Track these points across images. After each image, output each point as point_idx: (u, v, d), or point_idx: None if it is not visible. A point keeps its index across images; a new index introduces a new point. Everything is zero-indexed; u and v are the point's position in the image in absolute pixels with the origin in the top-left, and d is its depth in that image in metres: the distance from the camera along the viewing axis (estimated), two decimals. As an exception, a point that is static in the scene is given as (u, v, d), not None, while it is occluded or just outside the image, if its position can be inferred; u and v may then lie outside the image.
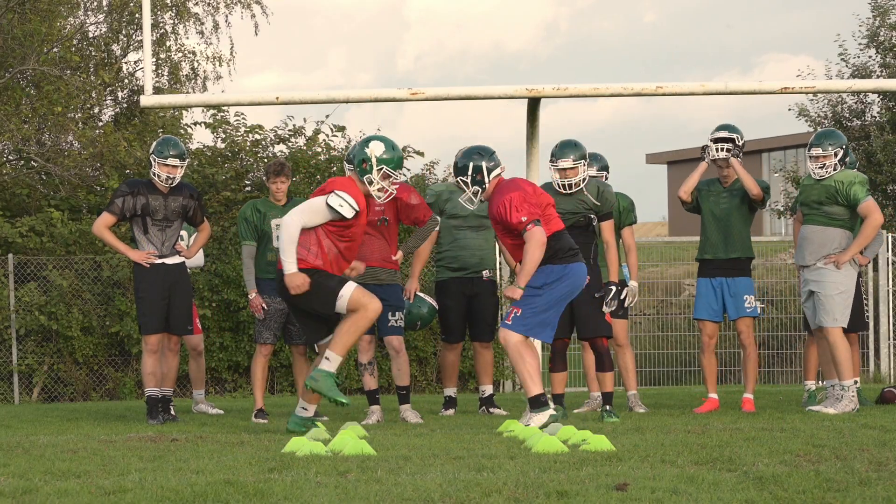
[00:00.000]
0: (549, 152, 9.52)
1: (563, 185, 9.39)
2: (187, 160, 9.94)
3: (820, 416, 9.17)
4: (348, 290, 8.06)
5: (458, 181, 8.46)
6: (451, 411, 10.39)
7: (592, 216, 9.46)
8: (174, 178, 9.61)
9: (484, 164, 8.35)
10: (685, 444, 6.88)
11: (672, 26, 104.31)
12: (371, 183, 8.24)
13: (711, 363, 10.17)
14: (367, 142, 8.32)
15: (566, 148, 9.45)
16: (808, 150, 9.71)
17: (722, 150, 9.98)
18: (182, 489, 5.23)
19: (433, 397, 14.17)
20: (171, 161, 9.59)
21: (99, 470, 6.03)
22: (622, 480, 5.32)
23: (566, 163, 9.40)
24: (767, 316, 16.35)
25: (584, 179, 9.44)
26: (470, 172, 8.36)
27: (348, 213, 8.07)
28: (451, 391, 10.53)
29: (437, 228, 10.07)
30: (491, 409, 10.35)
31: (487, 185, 8.37)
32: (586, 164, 9.48)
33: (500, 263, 13.61)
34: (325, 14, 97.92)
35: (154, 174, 9.62)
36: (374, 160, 8.22)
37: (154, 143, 9.77)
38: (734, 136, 9.97)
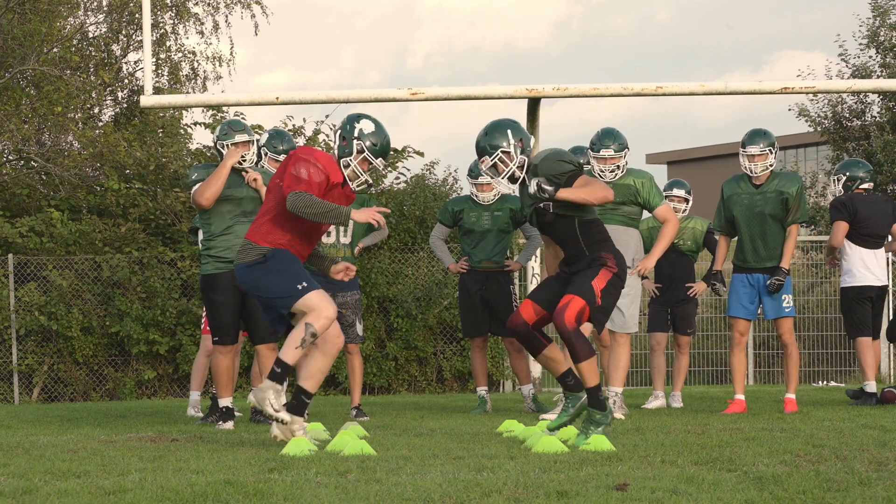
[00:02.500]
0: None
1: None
2: None
3: (819, 416, 9.17)
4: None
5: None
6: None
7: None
8: None
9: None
10: (685, 444, 6.88)
11: (685, 24, 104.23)
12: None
13: (741, 362, 9.93)
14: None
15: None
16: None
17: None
18: (182, 489, 5.23)
19: (433, 397, 14.18)
20: (283, 158, 9.65)
21: (99, 470, 6.03)
22: (622, 480, 5.32)
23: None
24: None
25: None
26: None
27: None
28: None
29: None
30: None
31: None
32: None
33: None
34: (339, 11, 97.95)
35: (263, 167, 9.53)
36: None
37: (266, 137, 9.75)
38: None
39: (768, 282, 9.72)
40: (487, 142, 7.40)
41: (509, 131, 7.40)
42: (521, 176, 7.42)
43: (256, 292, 7.25)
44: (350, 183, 7.29)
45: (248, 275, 7.20)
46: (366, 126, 7.26)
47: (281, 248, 7.17)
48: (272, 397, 7.15)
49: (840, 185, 10.93)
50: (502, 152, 7.37)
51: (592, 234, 7.36)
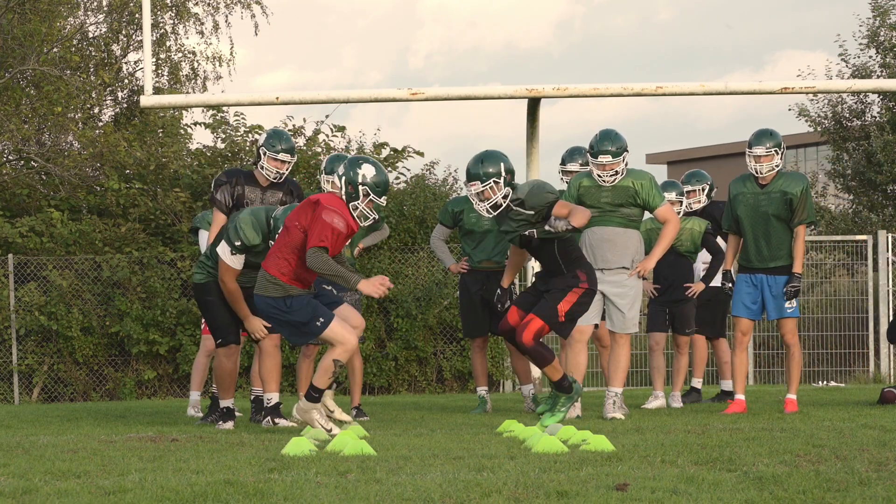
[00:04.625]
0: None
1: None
2: (297, 156, 9.92)
3: (819, 416, 9.17)
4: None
5: (488, 186, 8.06)
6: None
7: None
8: (283, 173, 9.54)
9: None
10: (685, 444, 6.88)
11: (686, 23, 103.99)
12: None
13: (742, 362, 9.93)
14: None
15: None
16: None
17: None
18: (182, 489, 5.23)
19: (433, 397, 14.18)
20: (282, 156, 9.51)
21: (99, 470, 6.03)
22: (622, 480, 5.32)
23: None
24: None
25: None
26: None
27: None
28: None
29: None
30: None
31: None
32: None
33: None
34: (340, 11, 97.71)
35: (262, 167, 9.47)
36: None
37: (264, 137, 9.67)
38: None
39: (785, 289, 9.71)
40: (481, 169, 8.07)
41: (502, 164, 8.09)
42: (504, 205, 8.09)
43: (276, 323, 8.04)
44: (359, 221, 7.89)
45: (270, 309, 7.93)
46: (368, 171, 7.81)
47: (298, 292, 7.86)
48: (318, 417, 7.86)
49: (704, 195, 11.34)
50: (493, 181, 8.06)
51: (569, 253, 8.24)
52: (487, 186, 8.07)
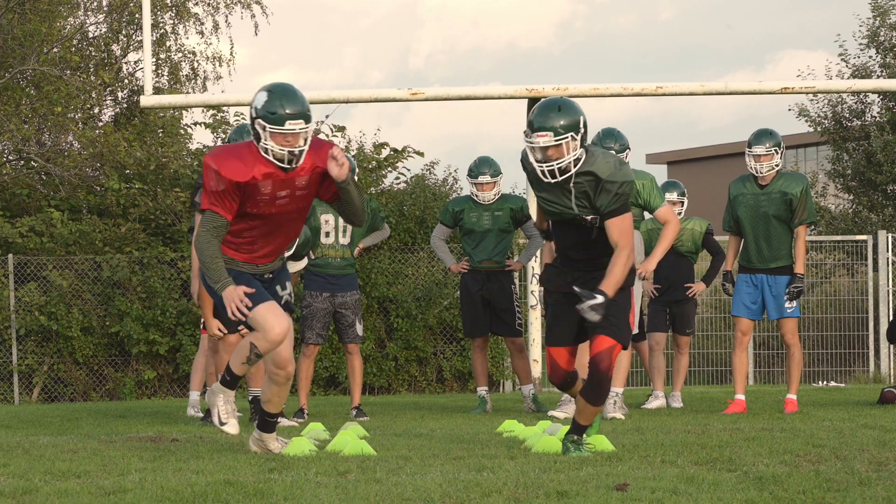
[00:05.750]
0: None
1: None
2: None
3: (819, 416, 9.17)
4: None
5: (563, 141, 6.23)
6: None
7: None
8: None
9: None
10: (685, 444, 6.88)
11: (687, 23, 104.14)
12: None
13: (743, 362, 9.94)
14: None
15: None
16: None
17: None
18: (182, 489, 5.23)
19: (433, 397, 14.18)
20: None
21: (99, 470, 6.03)
22: (622, 480, 5.32)
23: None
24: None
25: None
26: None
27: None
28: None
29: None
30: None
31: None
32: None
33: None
34: (342, 11, 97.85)
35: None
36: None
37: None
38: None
39: (788, 290, 9.72)
40: (559, 119, 6.28)
41: (581, 117, 6.36)
42: (573, 172, 6.36)
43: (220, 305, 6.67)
44: (281, 164, 6.37)
45: (207, 287, 6.66)
46: (258, 100, 6.36)
47: (243, 265, 6.64)
48: (220, 404, 6.86)
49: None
50: (571, 136, 6.29)
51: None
52: (563, 141, 6.26)
